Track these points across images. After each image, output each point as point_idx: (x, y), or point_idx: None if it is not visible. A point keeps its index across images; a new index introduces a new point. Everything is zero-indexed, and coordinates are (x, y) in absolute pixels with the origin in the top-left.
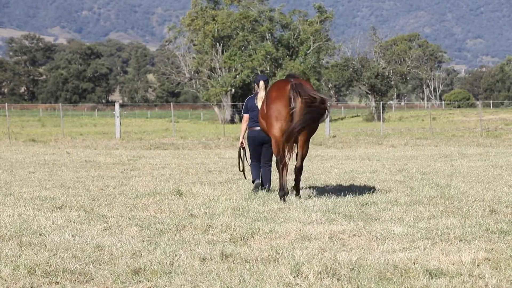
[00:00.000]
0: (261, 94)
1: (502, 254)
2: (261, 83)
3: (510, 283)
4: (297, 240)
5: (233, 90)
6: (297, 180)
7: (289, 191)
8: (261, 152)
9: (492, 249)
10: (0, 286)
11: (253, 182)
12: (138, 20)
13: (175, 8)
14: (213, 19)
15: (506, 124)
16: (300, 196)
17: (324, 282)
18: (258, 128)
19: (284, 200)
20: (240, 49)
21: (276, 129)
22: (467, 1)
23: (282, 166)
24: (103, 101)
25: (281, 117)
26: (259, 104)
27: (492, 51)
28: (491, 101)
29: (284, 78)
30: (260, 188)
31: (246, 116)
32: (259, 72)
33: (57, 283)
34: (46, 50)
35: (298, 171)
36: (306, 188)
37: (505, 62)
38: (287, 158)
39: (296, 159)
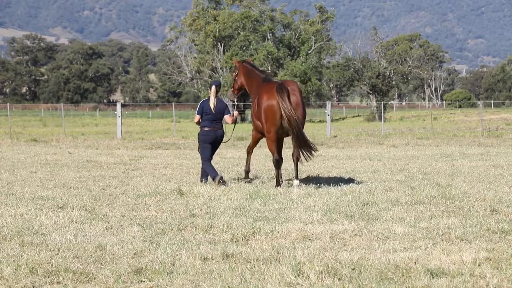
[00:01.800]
0: (212, 98)
1: (503, 254)
2: (213, 88)
3: (511, 282)
4: (298, 239)
5: None
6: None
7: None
8: (212, 150)
9: (493, 248)
10: (2, 285)
11: (213, 179)
12: (140, 20)
13: (176, 8)
14: (215, 19)
15: (507, 124)
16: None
17: (326, 282)
18: (208, 128)
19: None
20: (242, 49)
21: (272, 130)
22: (468, 1)
23: (279, 162)
24: (105, 101)
25: (275, 119)
26: (211, 107)
27: (493, 51)
28: (492, 101)
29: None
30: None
31: (198, 117)
32: None
33: (58, 282)
34: (47, 50)
35: (297, 159)
36: (307, 187)
37: (506, 62)
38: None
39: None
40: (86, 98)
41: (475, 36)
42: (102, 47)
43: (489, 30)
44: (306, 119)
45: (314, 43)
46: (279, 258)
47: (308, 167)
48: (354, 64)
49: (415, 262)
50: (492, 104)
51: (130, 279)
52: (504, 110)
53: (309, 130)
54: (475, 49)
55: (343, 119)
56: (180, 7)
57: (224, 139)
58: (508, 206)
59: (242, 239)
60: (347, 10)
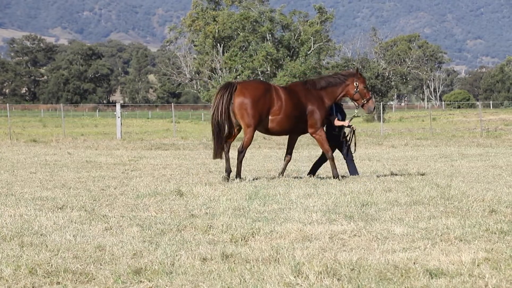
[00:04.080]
0: None
1: (502, 254)
2: None
3: (510, 283)
4: (297, 240)
5: None
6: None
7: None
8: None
9: (492, 249)
10: (2, 286)
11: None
12: (139, 21)
13: (175, 9)
14: (214, 20)
15: (506, 125)
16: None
17: (325, 282)
18: None
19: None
20: (241, 49)
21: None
22: (467, 1)
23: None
24: (104, 101)
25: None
26: None
27: (492, 52)
28: (491, 102)
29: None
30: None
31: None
32: (259, 73)
33: (58, 283)
34: (47, 50)
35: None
36: (306, 188)
37: (505, 63)
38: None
39: None
40: (86, 99)
41: (474, 36)
42: (101, 47)
43: (488, 30)
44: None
45: (313, 43)
46: (278, 258)
47: (307, 168)
48: (353, 64)
49: (414, 263)
50: (491, 105)
51: (130, 280)
52: (503, 111)
53: None
54: (474, 50)
55: None
56: (179, 7)
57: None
58: (507, 207)
59: (242, 240)
60: (346, 10)
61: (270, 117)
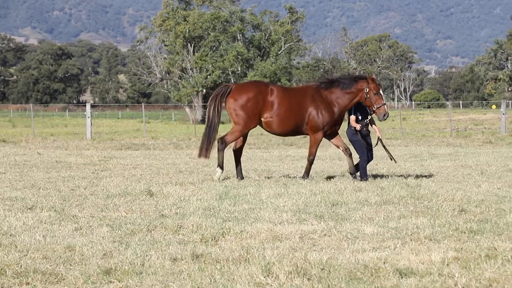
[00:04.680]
0: None
1: (471, 254)
2: None
3: (479, 282)
4: (267, 240)
5: (204, 90)
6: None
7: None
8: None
9: (462, 248)
10: None
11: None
12: (109, 21)
13: (146, 9)
14: (184, 20)
15: (475, 124)
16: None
17: (295, 282)
18: None
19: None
20: (212, 49)
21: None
22: (437, 2)
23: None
24: (74, 101)
25: None
26: None
27: (462, 52)
28: (460, 102)
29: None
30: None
31: None
32: (230, 73)
33: (27, 283)
34: (17, 50)
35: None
36: (277, 188)
37: (475, 63)
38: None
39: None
40: (56, 99)
41: (444, 37)
42: (71, 47)
43: (458, 31)
44: None
45: (284, 43)
46: (248, 258)
47: (278, 168)
48: (324, 64)
49: (384, 262)
50: (461, 105)
51: (100, 280)
52: (473, 111)
53: None
54: (444, 50)
55: None
56: (150, 7)
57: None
58: (476, 206)
59: (212, 240)
60: (317, 11)
61: (263, 119)
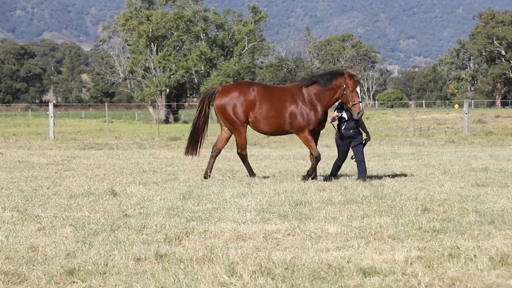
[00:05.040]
0: None
1: (434, 253)
2: None
3: (442, 281)
4: (231, 239)
5: (167, 90)
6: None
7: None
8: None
9: (425, 247)
10: None
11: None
12: (72, 20)
13: (109, 8)
14: (148, 19)
15: (438, 124)
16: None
17: (259, 282)
18: None
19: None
20: (175, 49)
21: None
22: (400, 1)
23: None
24: (37, 101)
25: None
26: None
27: (424, 52)
28: (423, 101)
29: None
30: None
31: None
32: (193, 72)
33: None
34: None
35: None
36: (240, 187)
37: (437, 63)
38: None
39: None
40: (18, 98)
41: (407, 36)
42: (34, 47)
43: (421, 30)
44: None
45: (247, 43)
46: (212, 258)
47: (241, 167)
48: (287, 64)
49: (347, 261)
50: (424, 104)
51: (63, 280)
52: (436, 110)
53: None
54: (407, 50)
55: None
56: (113, 7)
57: None
58: (439, 205)
59: (176, 239)
60: (280, 10)
61: (249, 119)
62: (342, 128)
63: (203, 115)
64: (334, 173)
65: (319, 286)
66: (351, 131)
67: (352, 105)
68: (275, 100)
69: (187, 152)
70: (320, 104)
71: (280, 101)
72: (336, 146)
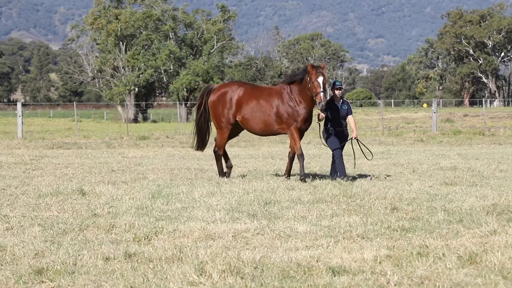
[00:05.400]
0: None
1: (403, 251)
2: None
3: (411, 279)
4: (201, 239)
5: (136, 89)
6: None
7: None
8: None
9: (394, 246)
10: None
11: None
12: (40, 19)
13: (77, 7)
14: (116, 18)
15: (407, 123)
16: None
17: (228, 281)
18: None
19: None
20: (144, 48)
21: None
22: (369, 1)
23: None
24: (5, 100)
25: None
26: None
27: (393, 51)
28: (392, 100)
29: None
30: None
31: None
32: (162, 72)
33: None
34: None
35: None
36: (210, 186)
37: (406, 62)
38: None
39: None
40: None
41: (375, 35)
42: (2, 46)
43: (389, 30)
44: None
45: (216, 42)
46: (181, 257)
47: (210, 166)
48: (256, 63)
49: (317, 260)
50: (393, 103)
51: (31, 280)
52: (404, 109)
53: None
54: (375, 49)
55: None
56: (81, 6)
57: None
58: (408, 204)
59: (145, 239)
60: (249, 9)
61: (237, 119)
62: (329, 125)
63: (202, 112)
64: (342, 172)
65: (288, 285)
66: (337, 128)
67: (315, 96)
68: (262, 99)
69: (197, 147)
70: (303, 101)
71: (266, 100)
72: (328, 145)
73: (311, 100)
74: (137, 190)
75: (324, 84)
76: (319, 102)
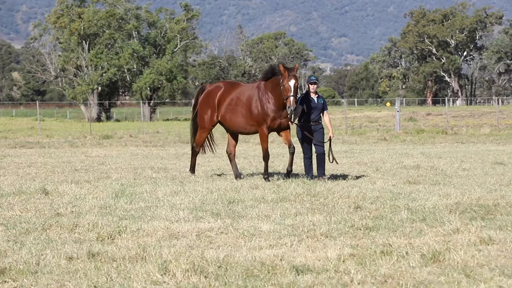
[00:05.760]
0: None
1: (367, 250)
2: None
3: (374, 278)
4: (164, 238)
5: (99, 88)
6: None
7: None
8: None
9: (357, 245)
10: None
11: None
12: (2, 18)
13: (40, 6)
14: (79, 17)
15: (370, 122)
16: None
17: (192, 280)
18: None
19: None
20: (107, 47)
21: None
22: (332, 0)
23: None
24: None
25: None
26: None
27: (356, 50)
28: (355, 99)
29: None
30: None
31: None
32: (126, 70)
33: None
34: None
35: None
36: (173, 186)
37: (369, 61)
38: None
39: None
40: None
41: (339, 34)
42: None
43: (353, 29)
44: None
45: (180, 41)
46: (145, 256)
47: (174, 165)
48: (220, 62)
49: (280, 259)
50: (356, 102)
51: None
52: (367, 108)
53: (175, 128)
54: (339, 48)
55: None
56: (44, 4)
57: None
58: (371, 203)
59: (108, 238)
60: (212, 8)
61: (219, 118)
62: (302, 120)
63: (196, 112)
64: (307, 170)
65: (252, 284)
66: (312, 123)
67: (285, 99)
68: (237, 98)
69: (203, 152)
70: (274, 98)
71: (241, 99)
72: (300, 144)
73: (283, 100)
74: (101, 189)
75: (295, 87)
76: (288, 107)
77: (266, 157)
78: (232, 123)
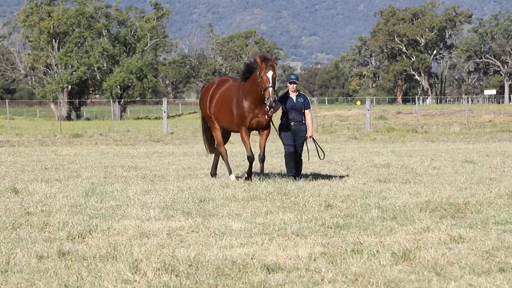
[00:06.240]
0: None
1: (337, 249)
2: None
3: (345, 276)
4: (135, 236)
5: (69, 87)
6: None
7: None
8: None
9: (328, 243)
10: None
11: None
12: None
13: (9, 4)
14: (49, 15)
15: (340, 120)
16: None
17: (163, 279)
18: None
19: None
20: (77, 45)
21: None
22: None
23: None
24: None
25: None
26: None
27: (327, 48)
28: (326, 98)
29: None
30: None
31: None
32: (96, 69)
33: None
34: None
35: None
36: (144, 184)
37: (340, 59)
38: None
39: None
40: None
41: (309, 33)
42: None
43: (323, 27)
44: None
45: (150, 39)
46: (116, 255)
47: (144, 164)
48: (190, 61)
49: (251, 258)
50: (326, 101)
51: None
52: (338, 107)
53: (145, 127)
54: (309, 46)
55: (179, 115)
56: (13, 2)
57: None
58: (342, 201)
59: (79, 237)
60: (182, 6)
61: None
62: (283, 120)
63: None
64: (289, 170)
65: (223, 282)
66: (292, 123)
67: (263, 91)
68: (224, 95)
69: (211, 151)
70: (252, 96)
71: (225, 97)
72: (282, 143)
73: (261, 97)
74: (71, 188)
75: (273, 78)
76: (268, 98)
77: (248, 158)
78: (219, 120)
